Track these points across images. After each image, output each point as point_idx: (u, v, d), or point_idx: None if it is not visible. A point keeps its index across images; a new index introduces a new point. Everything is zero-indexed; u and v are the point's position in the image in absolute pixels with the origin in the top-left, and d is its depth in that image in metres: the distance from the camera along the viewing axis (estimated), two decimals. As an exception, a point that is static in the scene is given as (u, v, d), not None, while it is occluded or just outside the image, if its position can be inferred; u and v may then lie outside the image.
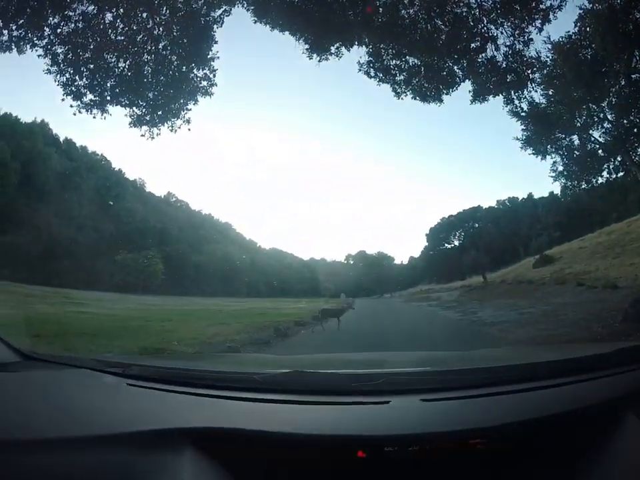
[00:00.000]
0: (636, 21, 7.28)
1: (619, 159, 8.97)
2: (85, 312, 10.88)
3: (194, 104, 8.34)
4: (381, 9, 7.77)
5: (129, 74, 7.55)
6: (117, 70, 7.54)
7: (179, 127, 8.29)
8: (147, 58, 7.73)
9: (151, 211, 36.28)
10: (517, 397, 1.01)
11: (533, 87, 8.69)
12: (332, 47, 8.24)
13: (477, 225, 15.30)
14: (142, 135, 8.17)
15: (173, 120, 8.22)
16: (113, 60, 7.50)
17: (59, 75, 7.27)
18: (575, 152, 9.07)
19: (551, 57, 8.35)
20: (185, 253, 33.66)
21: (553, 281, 13.26)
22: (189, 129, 8.44)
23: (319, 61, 8.31)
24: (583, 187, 9.38)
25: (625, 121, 8.54)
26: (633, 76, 7.95)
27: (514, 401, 1.00)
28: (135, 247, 28.10)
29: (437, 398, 0.97)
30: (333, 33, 7.86)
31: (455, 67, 8.37)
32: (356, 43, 8.30)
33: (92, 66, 7.38)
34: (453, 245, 16.39)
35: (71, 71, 7.35)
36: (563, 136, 9.23)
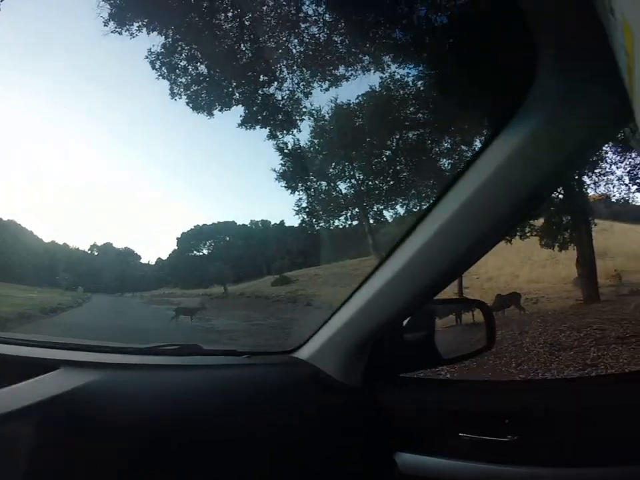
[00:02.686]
0: (407, 113, 9.17)
1: (356, 210, 10.85)
2: None
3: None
4: (205, 9, 7.69)
5: None
6: None
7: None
8: None
9: None
10: None
11: (299, 130, 9.87)
12: (134, 24, 7.70)
13: (227, 239, 16.19)
14: None
15: None
16: None
17: None
18: (321, 195, 10.70)
19: (328, 114, 9.75)
20: None
21: (287, 299, 14.81)
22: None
23: (111, 32, 7.69)
24: (322, 225, 10.91)
25: (369, 183, 10.53)
26: (386, 152, 9.96)
27: None
28: None
29: None
30: (141, 10, 7.37)
31: (236, 90, 8.93)
32: (158, 29, 7.98)
33: None
34: (202, 254, 16.94)
35: None
36: (315, 179, 10.69)
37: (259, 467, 1.04)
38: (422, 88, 8.50)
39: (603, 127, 0.76)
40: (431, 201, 0.97)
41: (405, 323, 1.32)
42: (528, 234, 9.40)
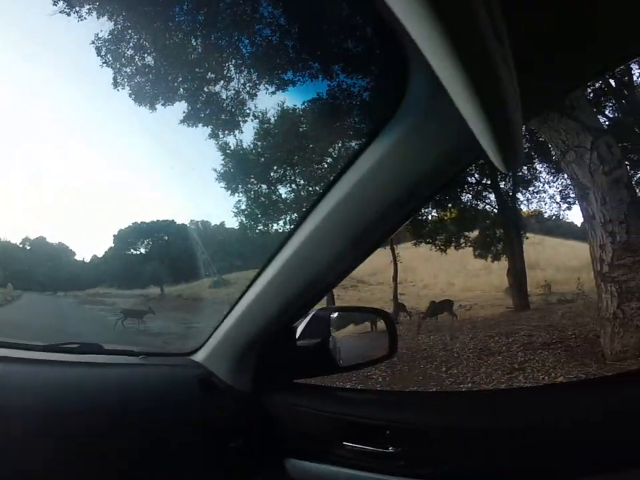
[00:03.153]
0: (351, 122, 9.24)
1: (295, 215, 10.83)
2: None
3: None
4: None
5: None
6: None
7: None
8: None
9: None
10: None
11: (241, 132, 9.53)
12: (84, 6, 7.39)
13: (166, 238, 15.68)
14: None
15: None
16: None
17: None
18: (261, 198, 10.53)
19: (273, 118, 9.70)
20: None
21: (225, 302, 14.58)
22: None
23: (59, 12, 7.34)
24: (260, 228, 10.86)
25: (310, 189, 10.58)
26: (327, 159, 10.08)
27: None
28: None
29: None
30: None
31: (181, 85, 8.69)
32: (108, 14, 7.72)
33: None
34: (139, 252, 16.33)
35: None
36: (255, 182, 10.48)
37: (138, 463, 1.04)
38: (366, 99, 8.64)
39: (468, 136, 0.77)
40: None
41: (300, 329, 1.32)
42: (463, 245, 9.87)
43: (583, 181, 5.14)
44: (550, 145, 5.82)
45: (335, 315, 1.91)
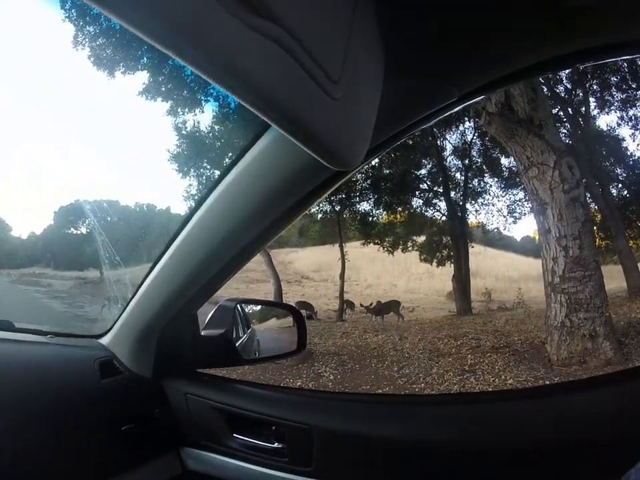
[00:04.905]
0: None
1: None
2: None
3: None
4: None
5: None
6: None
7: None
8: None
9: None
10: None
11: (202, 111, 9.21)
12: None
13: (109, 219, 14.98)
14: None
15: None
16: None
17: None
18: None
19: (234, 102, 9.30)
20: None
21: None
22: None
23: None
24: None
25: None
26: None
27: None
28: None
29: None
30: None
31: (145, 55, 8.08)
32: None
33: None
34: (80, 232, 15.63)
35: None
36: (209, 167, 10.05)
37: (30, 444, 1.01)
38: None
39: None
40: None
41: (207, 318, 1.32)
42: (410, 248, 10.13)
43: (542, 196, 5.42)
44: (514, 159, 6.07)
45: (258, 307, 1.91)
